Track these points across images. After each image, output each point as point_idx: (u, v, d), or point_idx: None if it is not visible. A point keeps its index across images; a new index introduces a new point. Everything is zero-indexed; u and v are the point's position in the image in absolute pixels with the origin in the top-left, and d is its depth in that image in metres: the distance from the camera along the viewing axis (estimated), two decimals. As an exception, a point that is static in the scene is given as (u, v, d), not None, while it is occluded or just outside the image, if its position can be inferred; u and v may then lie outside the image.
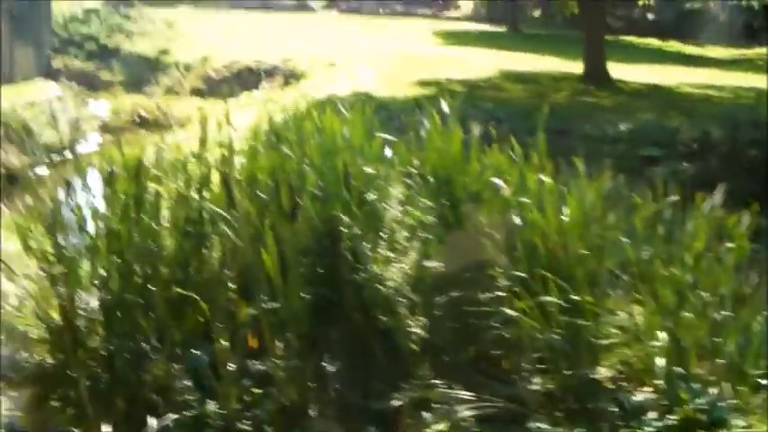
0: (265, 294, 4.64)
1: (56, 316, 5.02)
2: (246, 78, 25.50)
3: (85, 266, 5.13)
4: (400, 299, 4.88)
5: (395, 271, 4.95)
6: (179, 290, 4.75)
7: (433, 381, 4.58)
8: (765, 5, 32.75)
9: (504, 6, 38.82)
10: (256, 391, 4.47)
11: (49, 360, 4.90)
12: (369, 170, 5.32)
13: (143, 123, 23.08)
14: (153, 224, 5.22)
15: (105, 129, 22.28)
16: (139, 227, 5.22)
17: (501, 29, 38.90)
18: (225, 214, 4.98)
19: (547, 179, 5.35)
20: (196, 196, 5.35)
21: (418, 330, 4.87)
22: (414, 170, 5.52)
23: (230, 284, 5.04)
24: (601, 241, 5.21)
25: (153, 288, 4.86)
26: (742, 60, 30.07)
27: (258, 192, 5.28)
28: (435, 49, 26.97)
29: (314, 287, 4.72)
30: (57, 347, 4.98)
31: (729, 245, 5.14)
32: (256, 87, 24.46)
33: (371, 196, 5.18)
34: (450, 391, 4.47)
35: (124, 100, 25.64)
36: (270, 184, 5.29)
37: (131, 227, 5.19)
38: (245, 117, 19.48)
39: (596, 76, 17.85)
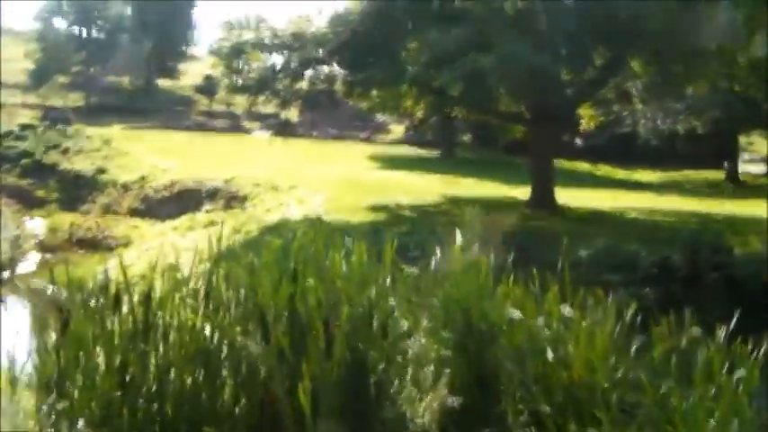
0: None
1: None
2: (187, 199, 25.28)
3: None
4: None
5: (420, 409, 4.77)
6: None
7: None
8: (688, 131, 34.03)
9: (436, 131, 39.56)
10: None
11: None
12: (392, 303, 5.17)
13: (81, 243, 22.65)
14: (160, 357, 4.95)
15: (43, 247, 21.76)
16: (146, 360, 4.95)
17: (434, 152, 39.65)
18: (255, 346, 4.73)
19: (572, 311, 5.27)
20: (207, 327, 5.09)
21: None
22: (436, 302, 5.38)
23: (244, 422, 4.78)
24: (621, 375, 5.11)
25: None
26: (671, 184, 31.02)
27: (280, 324, 5.05)
28: (375, 174, 27.22)
29: (342, 426, 4.50)
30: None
31: (740, 373, 5.07)
32: (198, 209, 24.24)
33: (396, 330, 5.02)
34: None
35: (61, 218, 25.21)
36: (296, 316, 5.06)
37: (138, 360, 4.93)
38: (192, 239, 19.27)
39: (543, 202, 18.10)
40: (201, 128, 42.55)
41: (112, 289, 5.43)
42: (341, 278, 5.33)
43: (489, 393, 5.15)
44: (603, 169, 34.74)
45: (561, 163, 33.82)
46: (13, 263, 17.83)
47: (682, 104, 27.86)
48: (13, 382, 5.04)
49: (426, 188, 22.27)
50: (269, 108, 49.54)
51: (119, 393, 4.82)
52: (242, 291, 5.32)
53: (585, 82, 16.89)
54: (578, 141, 37.70)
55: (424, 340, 5.09)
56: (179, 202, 25.50)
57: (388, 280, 5.62)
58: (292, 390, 4.48)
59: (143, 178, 28.09)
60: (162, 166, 29.06)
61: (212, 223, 21.72)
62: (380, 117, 53.62)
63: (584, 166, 33.65)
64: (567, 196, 19.47)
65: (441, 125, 34.13)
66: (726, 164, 35.48)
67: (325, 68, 16.22)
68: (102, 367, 4.84)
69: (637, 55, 15.50)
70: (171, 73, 52.97)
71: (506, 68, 13.37)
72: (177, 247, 17.38)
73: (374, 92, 17.91)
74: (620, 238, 14.01)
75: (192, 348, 5.04)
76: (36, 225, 24.71)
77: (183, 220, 23.05)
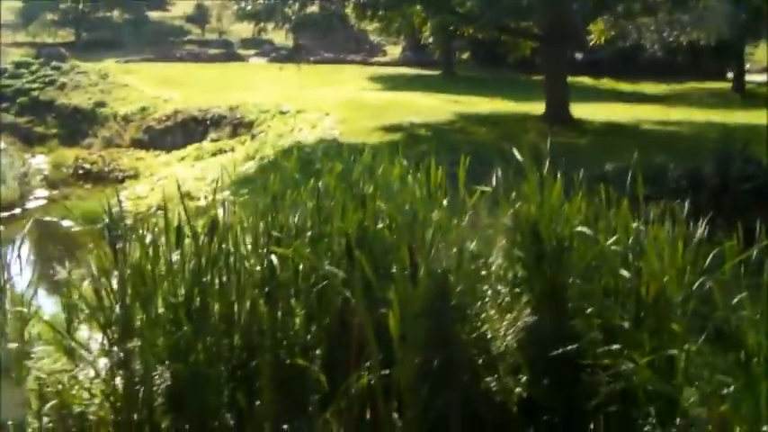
0: (378, 360, 4.25)
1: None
2: (192, 129, 24.96)
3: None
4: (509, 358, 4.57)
5: (501, 329, 4.64)
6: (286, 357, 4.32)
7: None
8: (691, 43, 33.58)
9: (436, 50, 38.87)
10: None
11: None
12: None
13: (87, 177, 22.38)
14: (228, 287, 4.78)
15: (49, 183, 21.49)
16: (211, 290, 4.78)
17: (434, 72, 39.16)
18: (340, 273, 4.52)
19: (643, 226, 5.11)
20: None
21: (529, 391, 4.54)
22: (509, 222, 5.19)
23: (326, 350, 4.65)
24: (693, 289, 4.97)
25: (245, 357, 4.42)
26: (677, 96, 30.70)
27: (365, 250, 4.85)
28: (379, 95, 26.83)
29: (427, 351, 4.36)
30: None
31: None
32: (203, 138, 23.96)
33: (474, 251, 4.84)
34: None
35: (63, 153, 24.88)
36: (374, 240, 4.86)
37: (205, 288, 4.76)
38: (202, 168, 19.04)
39: (559, 116, 17.86)
40: (196, 58, 41.88)
41: (166, 221, 5.17)
42: (412, 200, 5.14)
43: (563, 311, 5.02)
44: (607, 83, 34.33)
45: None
46: (23, 200, 17.59)
47: (690, 16, 27.36)
48: (70, 318, 4.91)
49: (434, 107, 21.95)
50: (268, 35, 49.24)
51: (186, 327, 4.65)
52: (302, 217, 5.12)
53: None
54: (578, 56, 37.21)
55: (500, 260, 4.93)
56: (183, 131, 25.20)
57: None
58: (377, 317, 4.33)
59: (144, 109, 27.71)
60: (162, 96, 28.66)
61: (221, 151, 21.50)
62: (375, 39, 53.08)
63: (586, 80, 33.21)
64: (577, 110, 19.20)
65: (443, 44, 33.46)
66: (731, 74, 35.19)
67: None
68: (169, 301, 4.67)
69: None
70: (160, 4, 52.07)
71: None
72: (189, 176, 17.17)
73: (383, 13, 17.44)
74: (642, 151, 13.78)
75: (258, 276, 4.87)
76: (39, 161, 24.39)
77: (190, 149, 22.80)
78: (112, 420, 4.58)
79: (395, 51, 50.60)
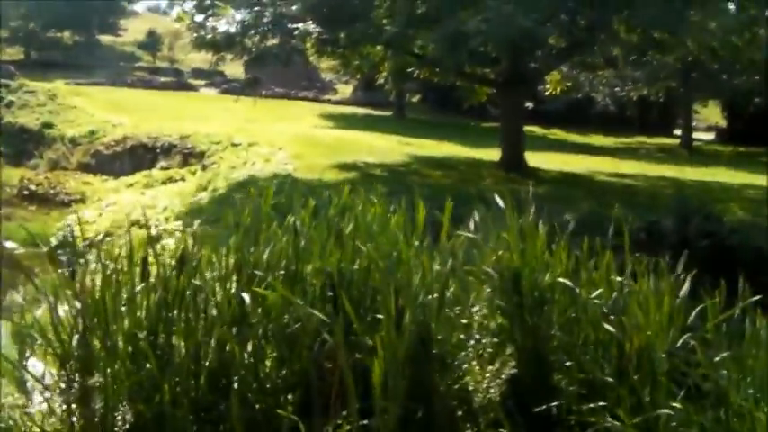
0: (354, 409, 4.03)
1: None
2: (141, 155, 24.52)
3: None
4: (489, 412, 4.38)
5: (483, 382, 4.46)
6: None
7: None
8: (640, 98, 34.23)
9: (381, 92, 38.89)
10: None
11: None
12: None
13: (32, 198, 21.80)
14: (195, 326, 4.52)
15: (-8, 202, 20.86)
16: (178, 326, 4.52)
17: (384, 113, 39.26)
18: (323, 317, 4.27)
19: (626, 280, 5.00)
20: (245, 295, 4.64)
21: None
22: (490, 270, 5.02)
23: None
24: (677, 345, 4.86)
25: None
26: (626, 149, 31.06)
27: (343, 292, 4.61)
28: (330, 133, 26.69)
29: (409, 400, 4.14)
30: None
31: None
32: (152, 165, 23.53)
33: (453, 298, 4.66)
34: None
35: (7, 173, 24.24)
36: (351, 282, 4.63)
37: (171, 323, 4.51)
38: (152, 196, 18.65)
39: (514, 164, 17.83)
40: (146, 85, 41.51)
41: (131, 251, 4.88)
42: (395, 241, 4.94)
43: (545, 364, 4.86)
44: (557, 133, 34.66)
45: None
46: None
47: (642, 71, 27.87)
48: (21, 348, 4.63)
49: (388, 148, 21.85)
50: (221, 66, 48.93)
51: (150, 364, 4.38)
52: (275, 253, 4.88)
53: (568, 44, 16.53)
54: (529, 105, 37.58)
55: (483, 309, 4.75)
56: (132, 158, 24.74)
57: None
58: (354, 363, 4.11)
59: (92, 133, 27.20)
60: (111, 121, 28.19)
61: (171, 180, 21.10)
62: (327, 77, 53.11)
63: (536, 129, 33.45)
64: (530, 159, 19.20)
65: (398, 85, 33.49)
66: (679, 131, 35.89)
67: (300, 25, 15.54)
68: (132, 335, 4.40)
69: (622, 18, 15.14)
70: (112, 28, 51.57)
71: (493, 31, 12.92)
72: (139, 204, 16.78)
73: (342, 51, 17.30)
74: (599, 202, 13.82)
75: (228, 317, 4.61)
76: (-19, 179, 23.73)
77: (138, 176, 22.36)
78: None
79: (345, 90, 50.77)
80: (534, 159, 19.40)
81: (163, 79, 44.01)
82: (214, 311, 4.60)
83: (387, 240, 4.91)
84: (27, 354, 4.64)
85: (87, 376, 4.13)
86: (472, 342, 4.65)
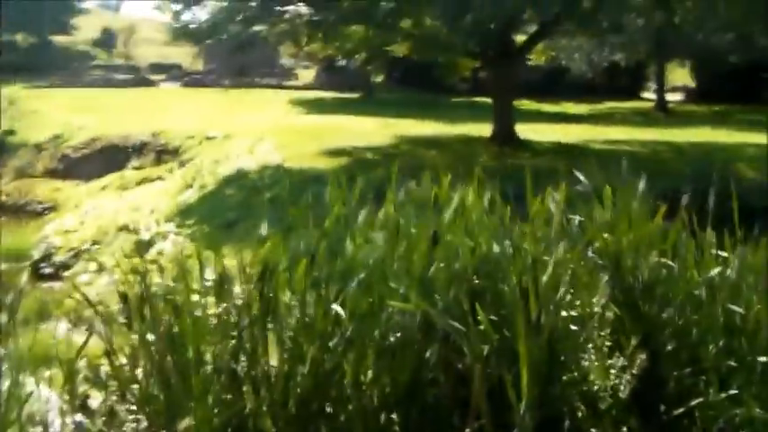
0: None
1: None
2: (111, 156, 23.67)
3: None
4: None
5: (609, 379, 3.98)
6: None
7: None
8: (610, 63, 33.98)
9: (346, 74, 38.26)
10: None
11: None
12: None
13: (1, 209, 20.97)
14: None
15: (-42, 215, 20.04)
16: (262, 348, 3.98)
17: (351, 95, 38.58)
18: (459, 327, 3.73)
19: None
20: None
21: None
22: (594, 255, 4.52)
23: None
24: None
25: None
26: (601, 115, 30.76)
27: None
28: (306, 119, 26.07)
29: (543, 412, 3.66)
30: None
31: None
32: (124, 166, 22.76)
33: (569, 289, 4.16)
34: None
35: (-27, 184, 23.38)
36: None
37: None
38: (132, 198, 17.94)
39: (507, 138, 17.42)
40: (105, 83, 40.44)
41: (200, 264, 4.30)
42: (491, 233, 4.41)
43: (666, 356, 4.39)
44: (528, 104, 34.26)
45: (484, 100, 33.33)
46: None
47: (617, 37, 27.49)
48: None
49: (369, 131, 21.27)
50: (176, 59, 47.95)
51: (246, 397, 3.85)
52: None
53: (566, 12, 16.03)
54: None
55: (602, 300, 4.26)
56: (102, 159, 23.86)
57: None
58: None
59: (57, 137, 26.28)
60: (75, 123, 27.25)
61: (146, 180, 20.39)
62: (287, 62, 52.22)
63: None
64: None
65: (366, 67, 32.87)
66: (648, 93, 35.74)
67: (290, 8, 14.88)
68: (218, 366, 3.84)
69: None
70: (64, 28, 50.26)
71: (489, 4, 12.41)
72: (123, 207, 16.11)
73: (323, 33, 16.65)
74: (606, 171, 13.36)
75: (316, 331, 4.06)
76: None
77: (111, 178, 21.57)
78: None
79: (306, 75, 49.94)
80: (519, 131, 18.97)
81: (121, 76, 42.94)
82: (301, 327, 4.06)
83: (480, 232, 4.38)
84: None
85: (178, 420, 3.56)
86: (594, 336, 4.16)
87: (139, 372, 4.01)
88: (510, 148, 16.55)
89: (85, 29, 50.32)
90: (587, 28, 17.81)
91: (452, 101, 34.75)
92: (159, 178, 20.17)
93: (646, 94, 40.26)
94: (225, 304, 4.00)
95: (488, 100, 33.11)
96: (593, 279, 4.43)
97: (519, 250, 4.12)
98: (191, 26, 16.41)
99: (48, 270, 14.08)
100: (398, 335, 4.03)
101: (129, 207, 16.15)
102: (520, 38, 18.70)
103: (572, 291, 4.25)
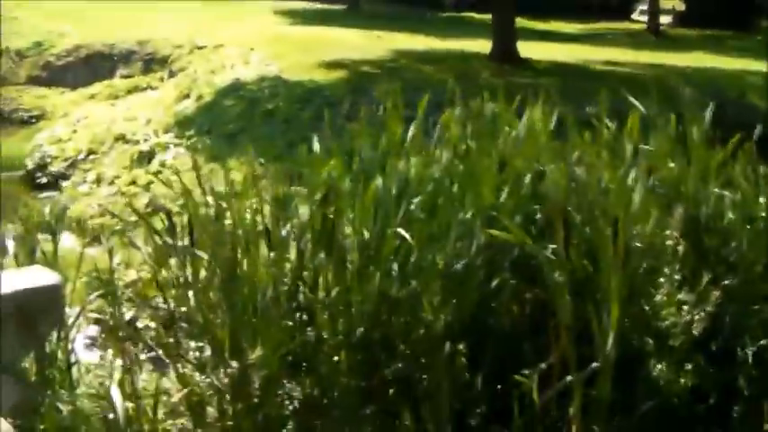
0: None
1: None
2: (97, 65, 23.10)
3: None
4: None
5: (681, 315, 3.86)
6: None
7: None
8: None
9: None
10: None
11: None
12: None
13: (-17, 115, 20.49)
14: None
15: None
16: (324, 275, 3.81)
17: (335, 6, 37.69)
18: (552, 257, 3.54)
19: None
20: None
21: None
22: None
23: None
24: None
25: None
26: (593, 35, 30.31)
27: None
28: (294, 29, 25.41)
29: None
30: None
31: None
32: (111, 75, 22.24)
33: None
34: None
35: (-49, 89, 22.73)
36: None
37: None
38: (125, 107, 17.56)
39: (507, 55, 17.12)
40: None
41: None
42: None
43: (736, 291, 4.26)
44: (521, 22, 33.67)
45: (471, 16, 32.82)
46: None
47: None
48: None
49: (362, 44, 20.77)
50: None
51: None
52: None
53: None
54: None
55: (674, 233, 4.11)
56: (87, 67, 23.29)
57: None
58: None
59: (39, 44, 25.53)
60: (57, 30, 26.48)
61: (136, 88, 19.96)
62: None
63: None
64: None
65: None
66: (638, 15, 35.25)
67: None
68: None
69: None
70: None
71: None
72: (117, 116, 15.75)
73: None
74: (615, 93, 13.15)
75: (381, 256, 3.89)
76: None
77: (99, 87, 21.07)
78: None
79: (290, -16, 48.86)
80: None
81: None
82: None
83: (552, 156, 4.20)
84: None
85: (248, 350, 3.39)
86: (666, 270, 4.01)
87: (191, 296, 3.84)
88: (510, 66, 16.27)
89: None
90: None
91: (440, 15, 34.18)
92: (150, 87, 19.76)
93: (634, 16, 39.78)
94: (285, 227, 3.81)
95: (476, 15, 32.83)
96: (661, 211, 4.28)
97: (595, 179, 3.94)
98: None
99: (44, 179, 13.86)
100: (464, 261, 3.87)
101: (123, 116, 15.79)
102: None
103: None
